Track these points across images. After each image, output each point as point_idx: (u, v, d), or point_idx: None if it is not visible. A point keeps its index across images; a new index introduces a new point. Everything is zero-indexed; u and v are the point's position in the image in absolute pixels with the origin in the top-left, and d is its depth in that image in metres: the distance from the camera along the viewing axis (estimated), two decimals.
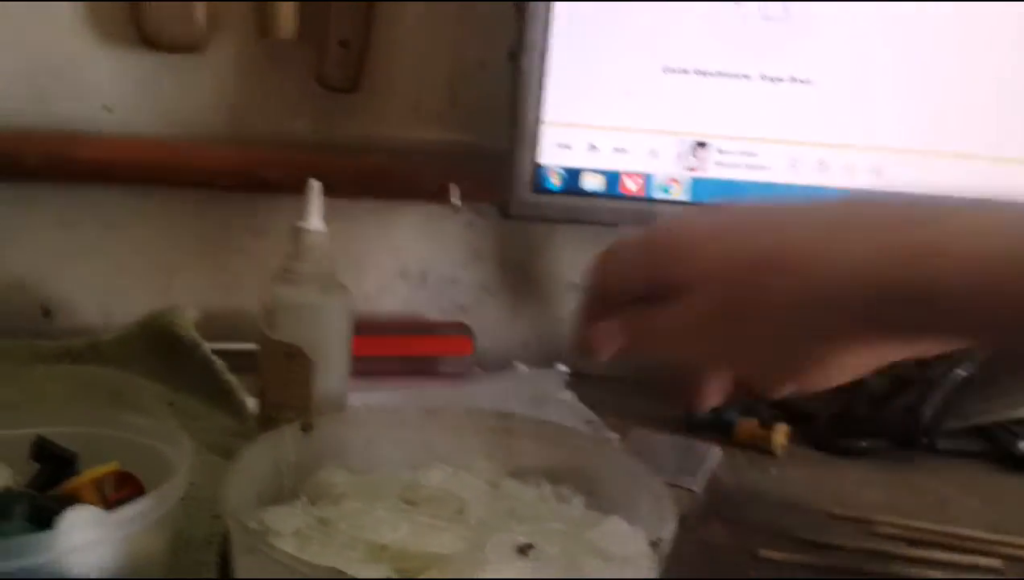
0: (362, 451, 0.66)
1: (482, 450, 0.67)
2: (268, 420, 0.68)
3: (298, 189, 0.82)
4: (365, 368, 0.89)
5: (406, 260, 0.93)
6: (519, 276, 0.95)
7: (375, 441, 0.67)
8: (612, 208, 0.76)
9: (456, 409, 0.69)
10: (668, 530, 0.54)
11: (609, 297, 0.60)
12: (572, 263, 0.95)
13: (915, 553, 0.66)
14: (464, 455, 0.67)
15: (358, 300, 0.93)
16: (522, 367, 0.92)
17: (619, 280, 0.59)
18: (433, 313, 0.94)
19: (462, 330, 0.91)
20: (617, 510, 0.61)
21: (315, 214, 0.68)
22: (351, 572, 0.50)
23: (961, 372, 0.82)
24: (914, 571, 0.64)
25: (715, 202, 0.58)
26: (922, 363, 0.87)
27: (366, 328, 0.92)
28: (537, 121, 0.74)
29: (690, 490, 0.69)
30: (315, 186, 0.68)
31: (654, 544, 0.52)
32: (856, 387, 0.89)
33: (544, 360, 0.94)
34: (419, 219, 0.92)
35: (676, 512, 0.56)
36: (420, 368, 0.90)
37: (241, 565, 0.52)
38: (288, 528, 0.56)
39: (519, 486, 0.65)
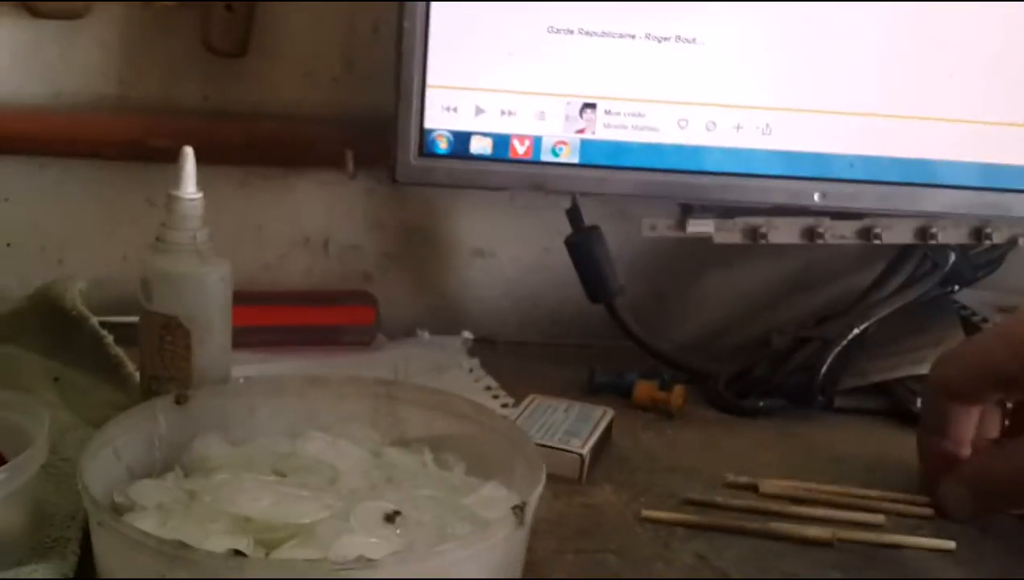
0: (243, 422, 0.65)
1: (366, 418, 0.67)
2: (149, 393, 0.67)
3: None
4: (266, 339, 0.89)
5: (307, 228, 0.92)
6: (423, 243, 0.94)
7: (256, 411, 0.66)
8: (501, 172, 0.75)
9: (339, 377, 0.68)
10: (534, 495, 0.54)
11: (956, 395, 0.63)
12: (476, 229, 0.94)
13: (798, 511, 0.67)
14: (347, 424, 0.66)
15: (258, 270, 0.93)
16: (425, 334, 0.92)
17: (973, 372, 0.62)
18: (336, 282, 0.93)
19: (365, 299, 0.90)
20: (496, 476, 0.61)
21: (188, 181, 0.66)
22: (207, 545, 0.50)
23: (858, 330, 0.82)
24: (794, 527, 0.64)
25: None
26: (820, 321, 0.88)
27: (266, 298, 0.91)
28: (422, 84, 0.73)
29: (578, 454, 0.69)
30: (188, 152, 0.66)
31: (516, 509, 0.51)
32: (759, 347, 0.90)
33: (450, 326, 0.93)
34: (318, 186, 0.90)
35: (544, 477, 0.56)
36: (323, 338, 0.88)
37: (95, 539, 0.51)
38: (152, 501, 0.56)
39: (401, 454, 0.65)
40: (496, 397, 0.82)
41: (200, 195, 0.67)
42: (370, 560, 0.46)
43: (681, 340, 0.97)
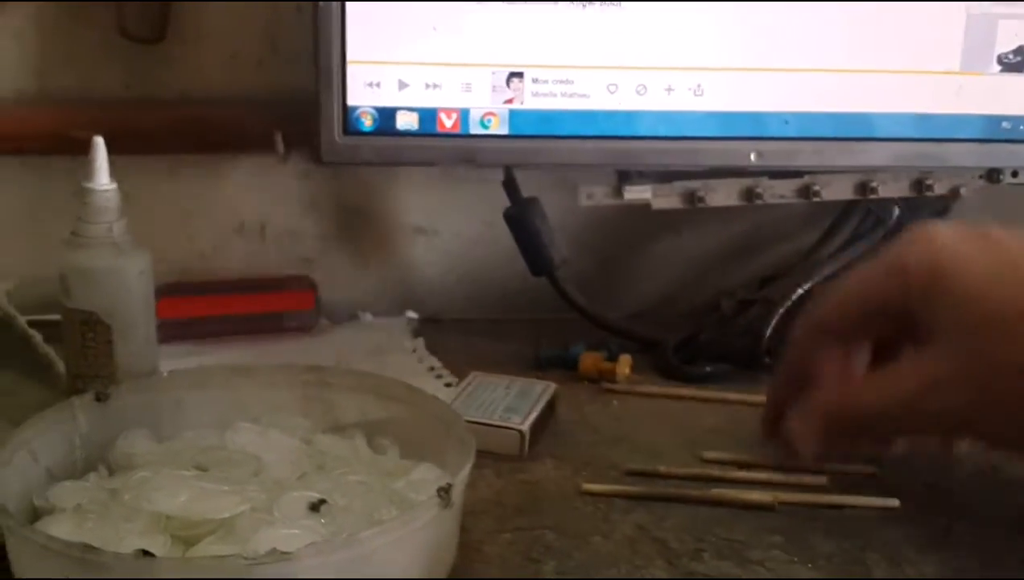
0: (170, 416, 0.64)
1: (297, 406, 0.65)
2: (74, 392, 0.65)
3: (115, 148, 0.79)
4: (204, 330, 0.87)
5: (242, 214, 0.90)
6: (363, 223, 0.92)
7: (183, 405, 0.64)
8: (430, 147, 0.73)
9: (268, 366, 0.67)
10: (461, 476, 0.53)
11: (830, 331, 0.57)
12: (416, 207, 0.93)
13: (740, 475, 0.66)
14: (277, 413, 0.65)
15: (193, 260, 0.91)
16: (368, 317, 0.90)
17: (853, 308, 0.55)
18: (275, 268, 0.91)
19: (304, 284, 0.89)
20: (430, 458, 0.60)
21: (101, 172, 0.64)
22: (124, 545, 0.48)
23: (802, 290, 0.81)
24: (735, 493, 0.63)
25: (980, 226, 0.53)
26: (765, 283, 0.87)
27: (203, 288, 0.89)
28: (342, 60, 0.71)
29: (518, 430, 0.68)
30: (98, 142, 0.64)
31: (441, 490, 0.50)
32: (710, 312, 0.89)
33: (395, 308, 0.92)
34: (250, 171, 0.88)
35: (473, 457, 0.55)
36: (263, 325, 0.87)
37: (8, 543, 0.50)
38: (71, 503, 0.54)
39: (333, 440, 0.63)
40: (440, 377, 0.80)
41: (114, 186, 0.65)
42: (284, 553, 0.44)
43: (632, 309, 0.96)
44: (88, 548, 0.44)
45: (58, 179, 0.85)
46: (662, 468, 0.66)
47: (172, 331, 0.84)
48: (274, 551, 0.45)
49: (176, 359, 0.78)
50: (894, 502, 0.63)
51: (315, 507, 0.53)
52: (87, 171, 0.64)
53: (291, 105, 0.84)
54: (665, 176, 0.80)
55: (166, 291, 0.86)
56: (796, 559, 0.57)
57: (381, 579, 0.48)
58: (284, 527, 0.50)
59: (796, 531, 0.60)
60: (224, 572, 0.44)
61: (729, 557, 0.57)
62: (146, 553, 0.44)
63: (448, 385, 0.78)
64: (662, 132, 0.75)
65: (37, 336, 0.76)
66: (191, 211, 0.89)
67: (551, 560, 0.57)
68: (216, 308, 0.86)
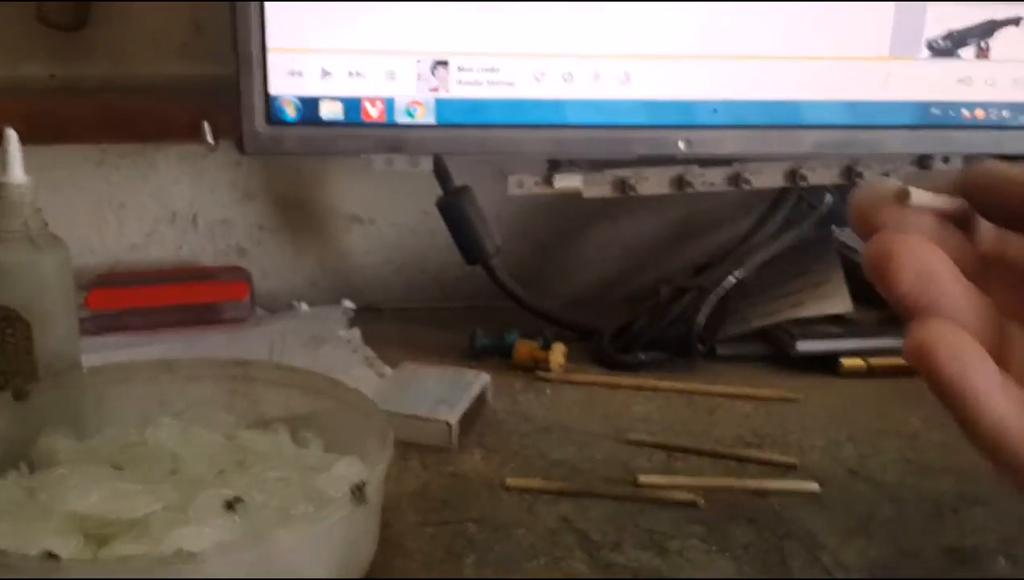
0: (92, 413, 0.63)
1: (220, 401, 0.65)
2: None
3: (40, 138, 0.77)
4: (136, 322, 0.86)
5: (172, 204, 0.89)
6: (298, 212, 0.92)
7: (105, 401, 0.63)
8: (354, 136, 0.73)
9: (192, 361, 0.66)
10: (376, 472, 0.53)
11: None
12: (352, 196, 0.92)
13: (666, 464, 0.66)
14: (202, 407, 0.64)
15: (124, 250, 0.90)
16: (303, 306, 0.89)
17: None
18: (209, 258, 0.90)
19: (238, 274, 0.88)
20: (353, 451, 0.59)
21: (14, 165, 0.63)
22: (37, 545, 0.48)
23: (733, 278, 0.82)
24: (659, 489, 0.63)
25: None
26: (699, 270, 0.87)
27: (134, 280, 0.88)
28: (262, 48, 0.70)
29: (446, 422, 0.67)
30: (10, 135, 0.63)
31: (355, 488, 0.50)
32: (641, 300, 0.89)
33: (332, 296, 0.91)
34: (179, 160, 0.87)
35: (390, 451, 0.54)
36: (197, 316, 0.86)
37: None
38: None
39: (256, 435, 0.63)
40: (372, 366, 0.80)
41: (28, 180, 0.64)
42: (189, 553, 0.44)
43: (569, 297, 0.96)
44: None
45: None
46: (589, 459, 0.66)
47: (103, 323, 0.84)
48: (180, 551, 0.44)
49: (107, 351, 0.78)
50: (814, 486, 0.64)
51: (230, 505, 0.52)
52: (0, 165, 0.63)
53: (218, 92, 0.83)
54: (596, 164, 0.80)
55: (97, 283, 0.86)
56: (715, 549, 0.58)
57: (292, 578, 0.48)
58: (197, 526, 0.50)
59: (717, 521, 0.60)
60: (129, 573, 0.43)
61: (649, 548, 0.58)
62: (51, 555, 0.44)
63: (381, 375, 0.78)
64: (590, 120, 0.74)
65: None
66: (121, 201, 0.88)
67: (472, 554, 0.57)
68: (148, 299, 0.85)
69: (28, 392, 0.60)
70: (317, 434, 0.62)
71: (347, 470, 0.57)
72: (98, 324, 0.82)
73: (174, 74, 0.84)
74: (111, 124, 0.83)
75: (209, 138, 0.81)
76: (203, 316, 0.86)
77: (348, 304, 0.90)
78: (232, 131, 0.82)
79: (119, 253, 0.88)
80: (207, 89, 0.83)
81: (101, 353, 0.76)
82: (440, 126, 0.73)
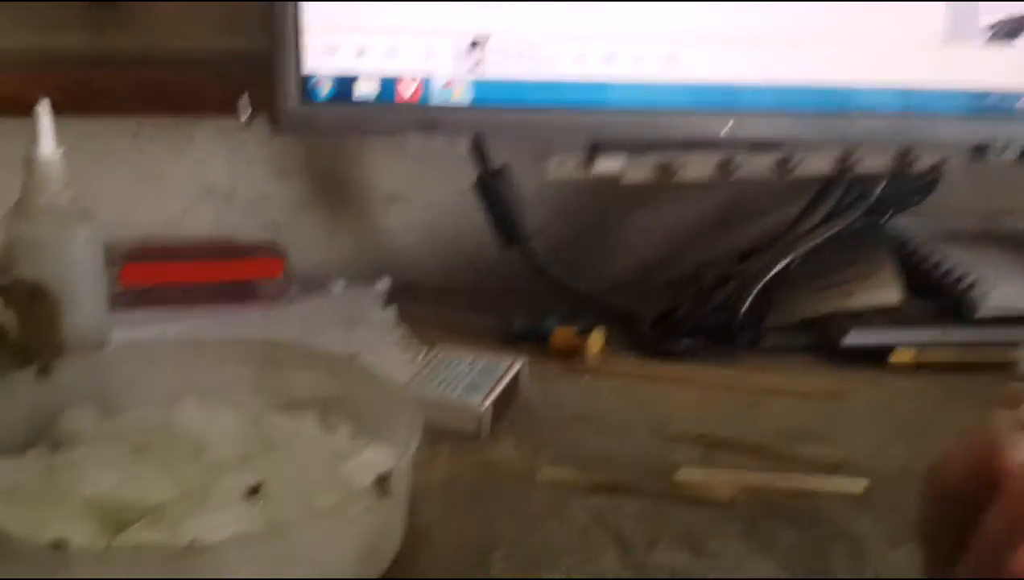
0: (118, 391, 0.62)
1: (249, 383, 0.64)
2: (24, 363, 0.63)
3: (77, 109, 0.77)
4: (171, 297, 0.85)
5: (209, 178, 0.87)
6: (334, 190, 0.90)
7: (132, 380, 0.62)
8: (389, 116, 0.71)
9: (221, 340, 0.65)
10: (402, 462, 0.51)
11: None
12: (389, 173, 0.90)
13: (705, 457, 0.64)
14: (229, 388, 0.63)
15: (161, 225, 0.89)
16: (338, 286, 0.88)
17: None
18: (246, 234, 0.89)
19: (273, 251, 0.87)
20: (382, 438, 0.58)
21: (45, 139, 0.62)
22: (51, 528, 0.46)
23: (780, 265, 0.79)
24: (696, 486, 0.61)
25: None
26: (744, 257, 0.85)
27: (170, 254, 0.87)
28: (298, 25, 0.68)
29: (477, 409, 0.66)
30: (43, 107, 0.62)
31: (379, 479, 0.48)
32: (685, 286, 0.87)
33: (367, 275, 0.90)
34: (217, 134, 0.86)
35: (417, 440, 0.53)
36: (231, 293, 0.85)
37: None
38: (4, 482, 0.52)
39: (282, 420, 0.61)
40: (406, 350, 0.78)
41: (60, 153, 0.63)
42: (202, 546, 0.43)
43: (609, 281, 0.94)
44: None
45: (15, 142, 0.82)
46: (625, 452, 0.64)
47: (137, 298, 0.83)
48: (193, 543, 0.43)
49: (140, 326, 0.77)
50: (861, 486, 0.61)
51: (252, 492, 0.51)
52: (33, 137, 0.62)
53: (256, 67, 0.81)
54: (638, 148, 0.77)
55: (131, 257, 0.85)
56: (756, 550, 0.55)
57: (309, 575, 0.46)
58: (216, 513, 0.48)
59: (758, 520, 0.58)
60: (140, 567, 0.42)
61: (685, 548, 0.55)
62: (59, 544, 0.42)
63: (414, 358, 0.76)
64: (632, 103, 0.72)
65: None
66: (158, 174, 0.86)
67: (501, 548, 0.55)
68: (183, 275, 0.84)
69: (52, 368, 0.59)
70: (346, 419, 0.61)
71: (374, 458, 0.56)
72: (131, 299, 0.81)
73: (212, 47, 0.83)
74: (148, 96, 0.82)
75: (246, 113, 0.80)
76: (238, 293, 0.85)
77: (384, 283, 0.89)
78: (268, 107, 0.81)
79: (154, 228, 0.87)
80: (245, 63, 0.82)
81: (133, 328, 0.75)
82: (477, 107, 0.71)
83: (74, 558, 0.42)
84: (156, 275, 0.84)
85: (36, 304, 0.63)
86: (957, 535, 0.37)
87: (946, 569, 0.37)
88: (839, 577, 0.53)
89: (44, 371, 0.59)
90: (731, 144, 0.76)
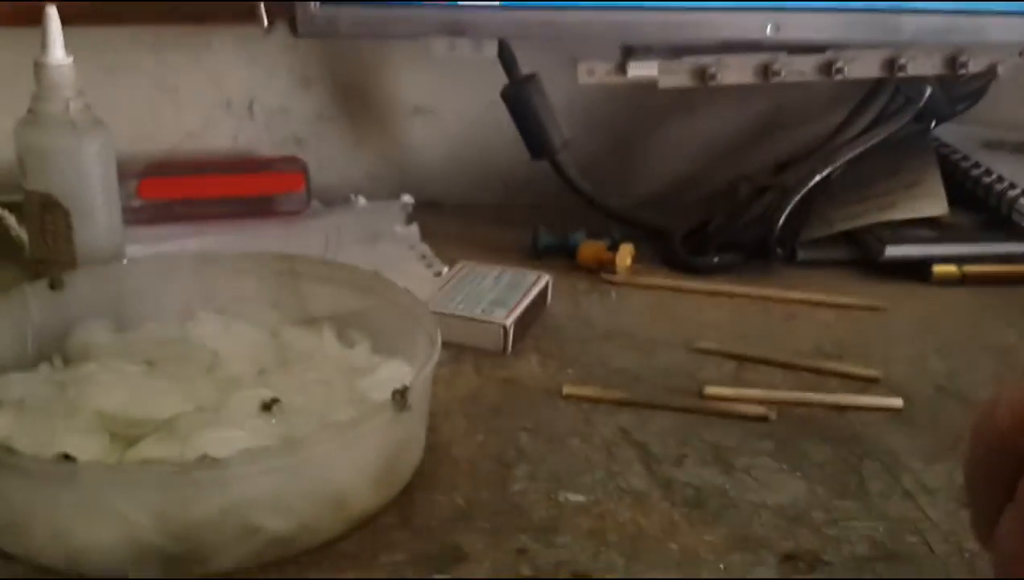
0: (132, 306, 0.61)
1: (266, 297, 0.62)
2: (38, 277, 0.62)
3: (92, 19, 0.74)
4: (190, 212, 0.83)
5: (228, 90, 0.85)
6: (357, 101, 0.87)
7: (145, 294, 0.61)
8: (414, 18, 0.67)
9: (236, 254, 0.63)
10: (421, 376, 0.49)
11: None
12: (414, 84, 0.87)
13: (736, 374, 0.62)
14: (245, 304, 0.61)
15: (180, 138, 0.87)
16: (361, 200, 0.86)
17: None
18: (266, 147, 0.87)
19: (294, 164, 0.84)
20: (401, 353, 0.56)
21: (54, 45, 0.60)
22: (57, 444, 0.45)
23: (820, 176, 0.76)
24: (727, 404, 0.59)
25: None
26: (782, 168, 0.81)
27: (189, 168, 0.85)
28: None
29: (500, 325, 0.64)
30: (51, 13, 0.60)
31: (396, 393, 0.47)
32: (717, 199, 0.84)
33: (391, 190, 0.87)
34: (236, 43, 0.83)
35: (436, 355, 0.51)
36: (251, 208, 0.83)
37: None
38: (15, 396, 0.51)
39: (301, 333, 0.60)
40: (430, 266, 0.76)
41: (70, 60, 0.61)
42: (214, 460, 0.41)
43: (642, 195, 0.91)
44: (6, 450, 0.41)
45: (27, 51, 0.80)
46: (652, 368, 0.62)
47: (155, 213, 0.81)
48: (204, 457, 0.41)
49: (157, 242, 0.75)
50: (897, 402, 0.59)
51: (267, 406, 0.50)
52: (42, 44, 0.60)
53: None
54: (674, 51, 0.73)
55: (149, 171, 0.83)
56: (786, 467, 0.54)
57: (326, 491, 0.45)
58: (229, 428, 0.47)
59: (789, 438, 0.56)
60: (148, 480, 0.41)
61: (713, 464, 0.54)
62: (67, 457, 0.41)
63: (437, 274, 0.74)
64: (668, 1, 0.68)
65: (9, 217, 0.73)
66: (176, 85, 0.84)
67: (523, 464, 0.53)
68: (202, 190, 0.82)
69: (64, 282, 0.58)
70: (365, 334, 0.59)
71: (393, 373, 0.54)
72: (150, 214, 0.80)
73: None
74: (162, 4, 0.79)
75: (264, 20, 0.77)
76: (258, 208, 0.83)
77: (407, 199, 0.86)
78: (288, 13, 0.79)
79: (173, 141, 0.85)
80: None
81: (150, 244, 0.73)
82: (505, 7, 0.68)
83: (82, 471, 0.41)
84: (174, 190, 0.82)
85: (47, 216, 0.61)
86: (1004, 485, 0.35)
87: (992, 520, 0.35)
88: (871, 493, 0.51)
89: (56, 285, 0.58)
90: (772, 46, 0.72)
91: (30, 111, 0.61)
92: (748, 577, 0.46)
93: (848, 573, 0.46)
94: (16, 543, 0.44)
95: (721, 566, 0.46)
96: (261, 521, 0.43)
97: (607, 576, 0.45)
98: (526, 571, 0.45)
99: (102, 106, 0.64)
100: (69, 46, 0.62)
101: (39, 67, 0.60)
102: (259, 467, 0.42)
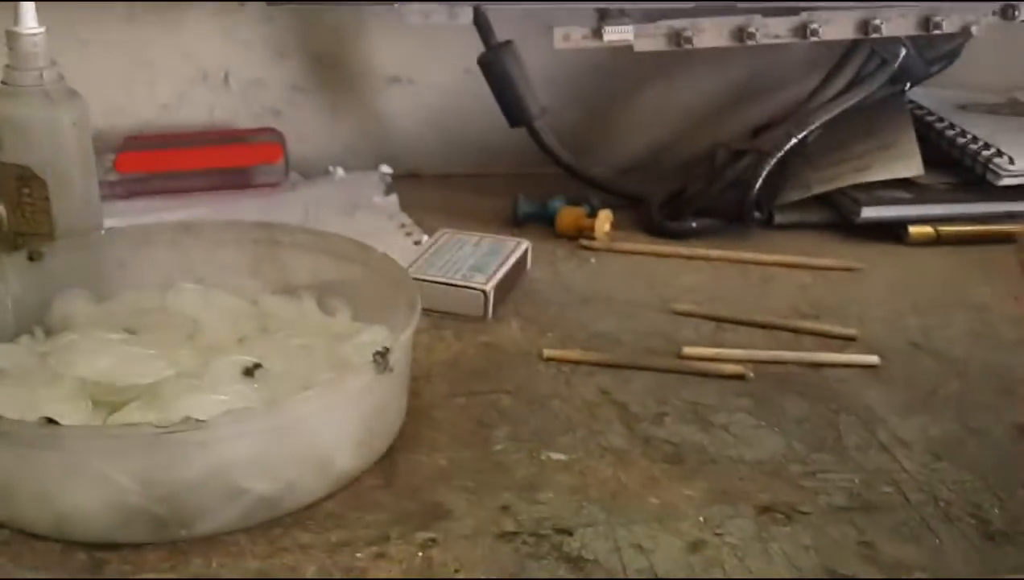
0: (111, 276, 0.61)
1: (245, 266, 0.62)
2: (16, 249, 0.62)
3: None
4: (168, 185, 0.83)
5: (203, 62, 0.84)
6: (334, 72, 0.87)
7: (125, 265, 0.61)
8: None
9: (215, 224, 0.63)
10: (401, 339, 0.50)
11: None
12: (390, 53, 0.87)
13: (723, 338, 0.62)
14: (226, 273, 0.61)
15: (155, 111, 0.87)
16: (340, 171, 0.86)
17: None
18: (243, 120, 0.87)
19: (271, 136, 0.84)
20: (382, 320, 0.56)
21: (26, 14, 0.59)
22: (42, 410, 0.45)
23: (796, 139, 0.76)
24: (705, 362, 0.59)
25: None
26: (758, 131, 0.82)
27: (166, 141, 0.85)
28: None
29: (480, 290, 0.64)
30: None
31: (377, 355, 0.47)
32: (695, 164, 0.84)
33: (369, 161, 0.88)
34: (210, 15, 0.83)
35: (416, 319, 0.51)
36: (229, 180, 0.83)
37: None
38: None
39: (281, 302, 0.60)
40: (409, 234, 0.76)
41: (43, 29, 0.60)
42: (198, 421, 0.42)
43: (620, 162, 0.91)
44: None
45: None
46: (631, 326, 0.63)
47: (132, 187, 0.81)
48: (187, 419, 0.42)
49: (135, 216, 0.75)
50: (873, 359, 0.60)
51: (249, 372, 0.50)
52: (14, 14, 0.60)
53: None
54: (649, 15, 0.73)
55: (126, 145, 0.82)
56: (764, 423, 0.54)
57: (308, 452, 0.45)
58: (212, 393, 0.47)
59: (767, 395, 0.57)
60: (132, 441, 0.41)
61: (692, 421, 0.54)
62: (51, 421, 0.41)
63: (417, 243, 0.74)
64: None
65: None
66: (150, 59, 0.84)
67: (504, 426, 0.54)
68: (178, 163, 0.82)
69: (43, 254, 0.58)
70: (345, 302, 0.59)
71: (374, 338, 0.54)
72: (127, 188, 0.80)
73: None
74: None
75: None
76: (235, 180, 0.83)
77: (386, 169, 0.86)
78: None
79: (149, 115, 0.85)
80: None
81: (128, 217, 0.73)
82: None
83: (66, 434, 0.41)
84: (151, 163, 0.82)
85: (24, 188, 0.61)
86: None
87: None
88: (847, 447, 0.52)
89: (35, 257, 0.58)
90: (748, 9, 0.72)
91: (3, 82, 0.61)
92: (726, 529, 0.46)
93: (825, 523, 0.47)
94: (2, 508, 0.44)
95: (701, 518, 0.47)
96: (246, 483, 0.44)
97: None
98: (509, 527, 0.46)
99: (77, 80, 0.63)
100: (43, 20, 0.61)
101: (11, 36, 0.60)
102: (242, 428, 0.43)
